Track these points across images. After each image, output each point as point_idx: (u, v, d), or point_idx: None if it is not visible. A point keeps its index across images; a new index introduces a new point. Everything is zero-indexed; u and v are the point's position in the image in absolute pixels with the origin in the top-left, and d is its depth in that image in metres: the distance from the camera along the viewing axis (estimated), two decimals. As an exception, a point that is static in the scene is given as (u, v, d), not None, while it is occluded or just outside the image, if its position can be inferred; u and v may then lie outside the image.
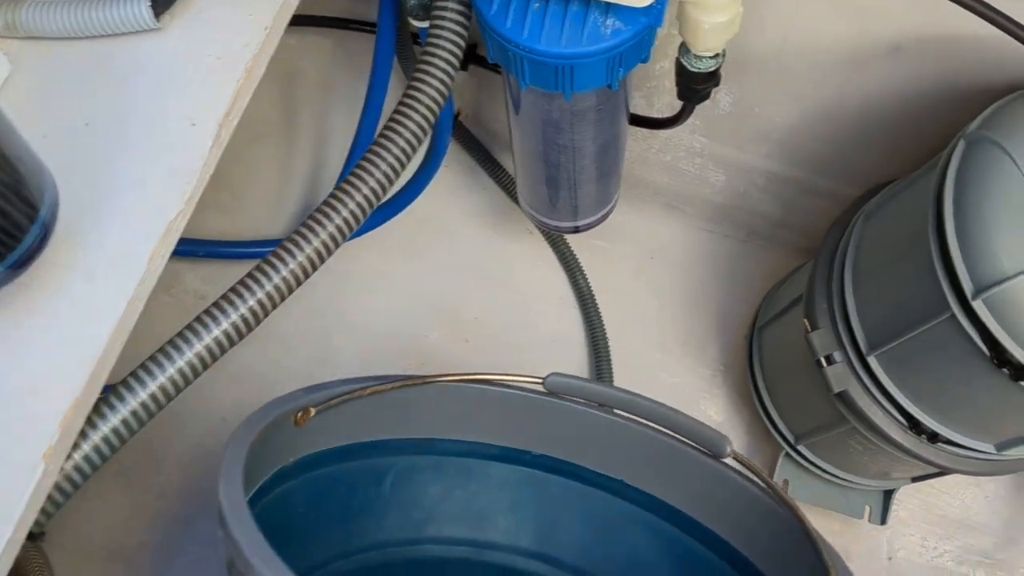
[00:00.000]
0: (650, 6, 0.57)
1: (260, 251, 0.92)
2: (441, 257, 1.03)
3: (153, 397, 0.54)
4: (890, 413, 0.74)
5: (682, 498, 0.75)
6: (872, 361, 0.73)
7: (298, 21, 0.63)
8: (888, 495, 0.96)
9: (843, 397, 0.76)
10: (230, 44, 0.58)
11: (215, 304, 0.58)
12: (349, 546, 0.75)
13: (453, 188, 1.04)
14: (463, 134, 1.03)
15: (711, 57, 0.65)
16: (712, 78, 0.68)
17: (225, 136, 0.58)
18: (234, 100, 0.57)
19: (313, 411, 0.62)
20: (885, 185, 0.80)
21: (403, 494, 0.75)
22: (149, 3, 0.56)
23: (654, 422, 0.71)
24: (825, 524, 1.01)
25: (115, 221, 0.53)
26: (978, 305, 0.60)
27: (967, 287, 0.60)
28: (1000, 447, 0.73)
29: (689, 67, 0.66)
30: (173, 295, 0.95)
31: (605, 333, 1.02)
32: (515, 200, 1.04)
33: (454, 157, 1.04)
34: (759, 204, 0.99)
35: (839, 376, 0.75)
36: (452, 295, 1.03)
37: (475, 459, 0.77)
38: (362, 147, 0.87)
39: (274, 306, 0.58)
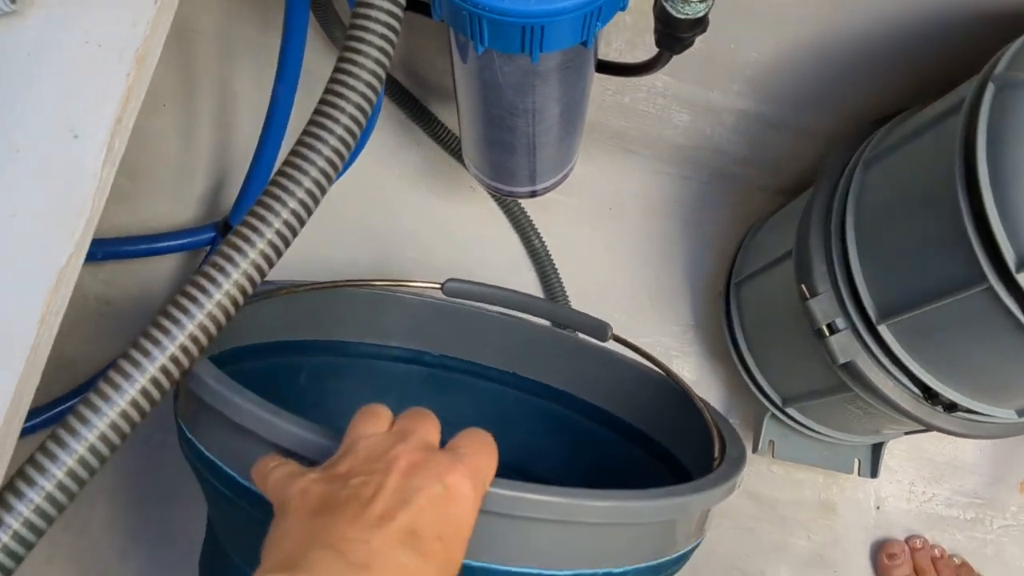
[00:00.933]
0: (638, -51, 0.47)
1: (169, 245, 0.80)
2: (377, 226, 0.92)
3: (60, 487, 0.43)
4: (902, 383, 0.68)
5: (571, 382, 0.82)
6: (883, 331, 0.65)
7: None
8: (878, 448, 0.91)
9: (848, 367, 0.69)
10: (112, 25, 0.45)
11: (128, 357, 0.46)
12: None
13: (384, 147, 0.92)
14: (392, 86, 0.91)
15: (701, 1, 0.55)
16: (699, 24, 0.57)
17: (119, 147, 0.46)
18: (126, 100, 0.45)
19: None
20: (879, 123, 0.72)
21: (318, 389, 0.80)
22: (-4, -23, 0.43)
23: (543, 317, 0.79)
24: (809, 476, 0.96)
25: (-15, 277, 0.41)
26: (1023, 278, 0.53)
27: (1010, 258, 0.53)
28: (1022, 412, 0.67)
29: (675, 13, 0.55)
30: (72, 304, 0.81)
31: (565, 294, 0.93)
32: (454, 155, 0.93)
33: (383, 112, 0.92)
34: (725, 144, 0.90)
35: (844, 346, 0.68)
36: (393, 267, 0.92)
37: (383, 361, 0.82)
38: (281, 112, 0.75)
39: (204, 344, 0.47)
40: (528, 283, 0.94)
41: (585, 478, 0.79)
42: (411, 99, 0.92)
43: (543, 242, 0.93)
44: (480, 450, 0.42)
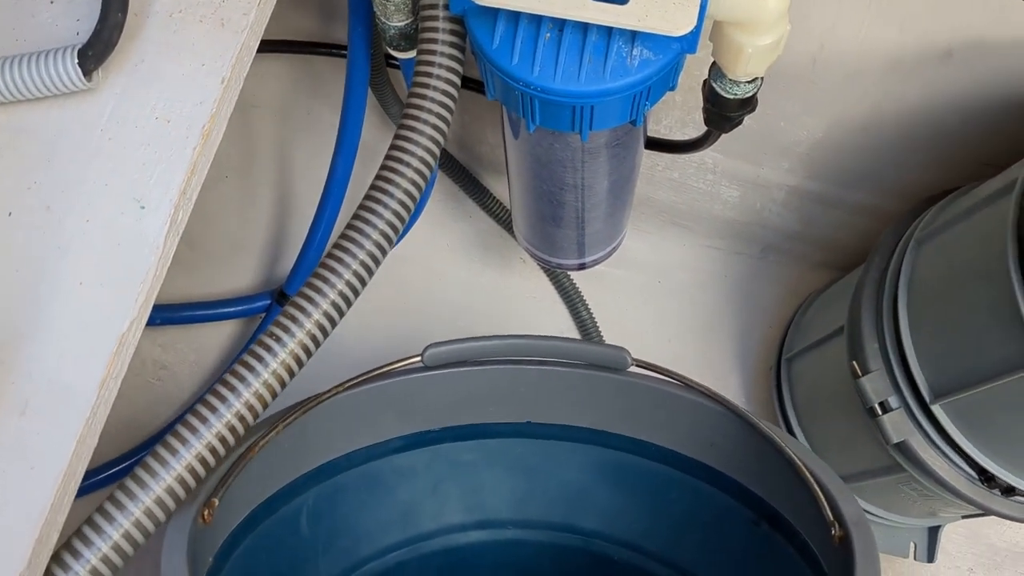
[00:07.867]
0: (686, 33, 0.48)
1: (225, 312, 0.82)
2: (430, 297, 0.93)
3: (115, 548, 0.44)
4: (957, 465, 0.66)
5: (601, 419, 0.70)
6: (937, 410, 0.64)
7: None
8: (934, 531, 0.88)
9: (902, 447, 0.67)
10: (181, 103, 0.48)
11: (186, 422, 0.48)
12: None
13: (436, 219, 0.94)
14: (445, 159, 0.93)
15: (749, 82, 0.56)
16: (748, 104, 0.58)
17: (182, 218, 0.48)
18: (191, 173, 0.47)
19: (216, 501, 0.54)
20: (932, 200, 0.71)
21: (322, 528, 0.70)
22: (75, 58, 0.45)
23: (552, 357, 0.67)
24: (863, 560, 0.93)
25: (51, 341, 0.43)
26: (1081, 359, 0.52)
27: (1066, 338, 0.52)
28: (1085, 498, 0.65)
29: (723, 93, 0.57)
30: (131, 368, 0.83)
31: (614, 368, 0.93)
32: (505, 227, 0.95)
33: (436, 185, 0.94)
34: (776, 219, 0.90)
35: (897, 425, 0.67)
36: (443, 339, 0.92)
37: (377, 460, 0.70)
38: (338, 185, 0.77)
39: (260, 412, 0.49)
40: (576, 355, 0.94)
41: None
42: (464, 172, 0.94)
43: (591, 314, 0.94)
44: None
